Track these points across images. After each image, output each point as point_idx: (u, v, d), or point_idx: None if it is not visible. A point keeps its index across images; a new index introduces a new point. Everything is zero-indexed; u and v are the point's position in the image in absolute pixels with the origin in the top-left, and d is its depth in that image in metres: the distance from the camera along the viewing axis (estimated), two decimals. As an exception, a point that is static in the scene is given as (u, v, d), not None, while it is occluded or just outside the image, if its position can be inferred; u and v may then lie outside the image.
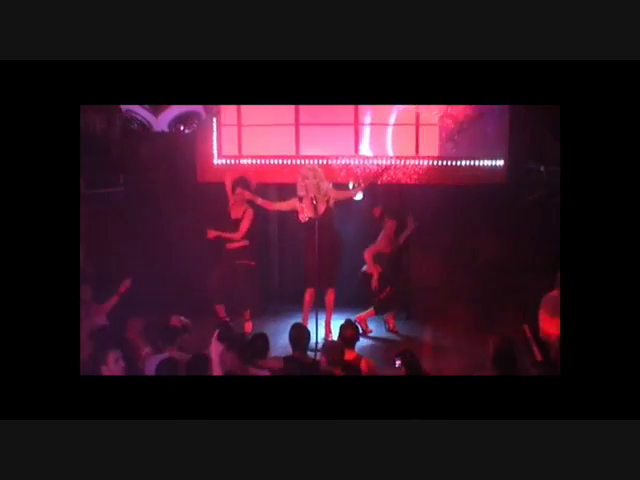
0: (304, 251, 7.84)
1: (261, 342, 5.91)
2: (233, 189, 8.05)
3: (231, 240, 8.06)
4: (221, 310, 8.15)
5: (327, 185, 7.73)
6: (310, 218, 7.56)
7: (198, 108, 6.96)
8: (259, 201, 7.91)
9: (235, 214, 8.14)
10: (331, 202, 7.74)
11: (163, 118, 6.90)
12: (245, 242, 8.15)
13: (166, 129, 7.00)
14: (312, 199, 7.47)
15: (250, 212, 8.10)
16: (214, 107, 7.51)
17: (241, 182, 8.05)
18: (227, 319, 7.78)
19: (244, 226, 8.06)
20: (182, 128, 7.09)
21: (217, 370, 5.65)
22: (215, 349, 5.77)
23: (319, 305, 7.70)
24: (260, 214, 8.37)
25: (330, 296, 8.01)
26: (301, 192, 7.67)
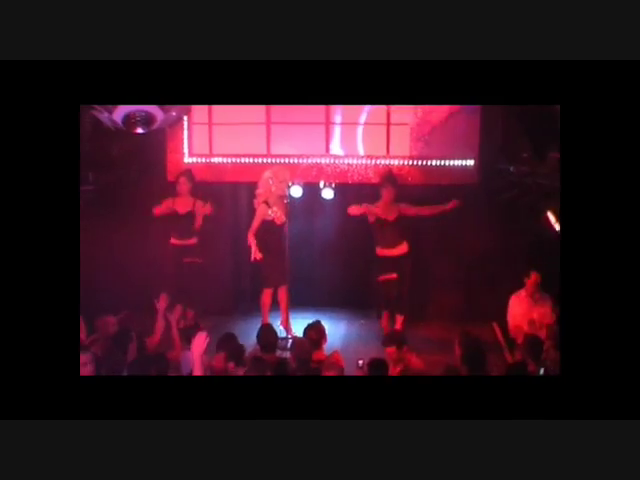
0: (264, 251, 7.79)
1: (233, 343, 5.90)
2: (176, 180, 7.97)
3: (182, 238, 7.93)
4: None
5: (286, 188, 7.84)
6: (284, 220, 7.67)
7: (151, 109, 6.75)
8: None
9: (183, 208, 7.99)
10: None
11: (117, 114, 6.75)
12: (193, 239, 8.03)
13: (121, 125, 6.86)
14: (287, 203, 7.51)
15: (201, 205, 7.95)
16: (172, 108, 7.31)
17: (185, 173, 8.00)
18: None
19: (198, 222, 7.92)
20: (130, 127, 6.86)
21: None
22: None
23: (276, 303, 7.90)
24: (230, 210, 8.33)
25: (285, 293, 8.05)
26: (267, 196, 7.70)
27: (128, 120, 6.80)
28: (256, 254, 7.66)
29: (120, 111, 6.75)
